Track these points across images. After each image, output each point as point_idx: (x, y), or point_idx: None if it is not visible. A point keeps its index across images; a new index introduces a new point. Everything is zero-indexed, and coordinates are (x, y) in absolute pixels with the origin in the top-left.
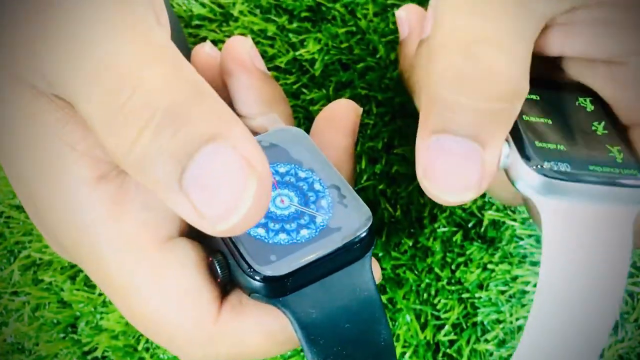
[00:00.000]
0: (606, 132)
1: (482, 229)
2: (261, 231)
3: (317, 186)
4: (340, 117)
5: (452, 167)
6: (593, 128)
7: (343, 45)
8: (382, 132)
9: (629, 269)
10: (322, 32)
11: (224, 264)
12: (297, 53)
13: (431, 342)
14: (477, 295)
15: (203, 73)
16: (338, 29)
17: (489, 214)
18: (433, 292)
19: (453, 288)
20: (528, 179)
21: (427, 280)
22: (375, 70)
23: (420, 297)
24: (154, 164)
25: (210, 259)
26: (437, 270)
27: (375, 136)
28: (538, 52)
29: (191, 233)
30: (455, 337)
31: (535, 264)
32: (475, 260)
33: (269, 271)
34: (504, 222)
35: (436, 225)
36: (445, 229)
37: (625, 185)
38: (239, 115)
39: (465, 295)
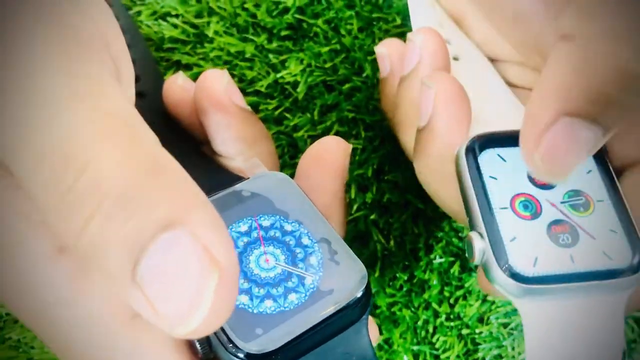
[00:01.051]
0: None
1: None
2: (244, 299)
3: (305, 240)
4: (328, 157)
5: (574, 151)
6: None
7: (327, 65)
8: (371, 158)
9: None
10: (304, 51)
11: (204, 339)
12: (278, 75)
13: None
14: (477, 330)
15: (176, 109)
16: (321, 47)
17: None
18: (431, 330)
19: (452, 324)
20: (503, 284)
21: (424, 317)
22: (362, 90)
23: (417, 335)
24: (105, 254)
25: None
26: (434, 305)
27: (364, 162)
28: None
29: None
30: None
31: None
32: (474, 293)
33: (255, 348)
34: None
35: (432, 257)
36: (442, 260)
37: (605, 277)
38: (217, 154)
39: (465, 331)
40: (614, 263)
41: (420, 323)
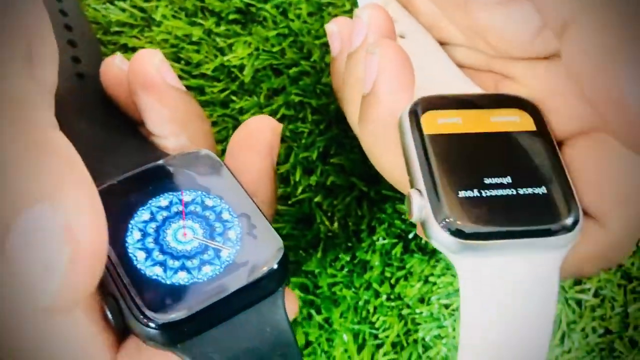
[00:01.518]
0: (537, 161)
1: (423, 240)
2: (158, 270)
3: (225, 215)
4: (256, 136)
5: None
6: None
7: (275, 49)
8: (317, 141)
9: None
10: (252, 35)
11: (116, 309)
12: (225, 59)
13: None
14: (418, 310)
15: (113, 90)
16: (269, 31)
17: None
18: (372, 310)
19: (393, 304)
20: (439, 239)
21: (365, 297)
22: (310, 75)
23: (358, 315)
24: None
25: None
26: (375, 286)
27: (310, 145)
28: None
29: None
30: (395, 357)
31: None
32: (415, 274)
33: (163, 317)
34: None
35: (375, 238)
36: (385, 242)
37: (540, 234)
38: (150, 134)
39: (405, 312)
40: (551, 222)
41: (361, 303)
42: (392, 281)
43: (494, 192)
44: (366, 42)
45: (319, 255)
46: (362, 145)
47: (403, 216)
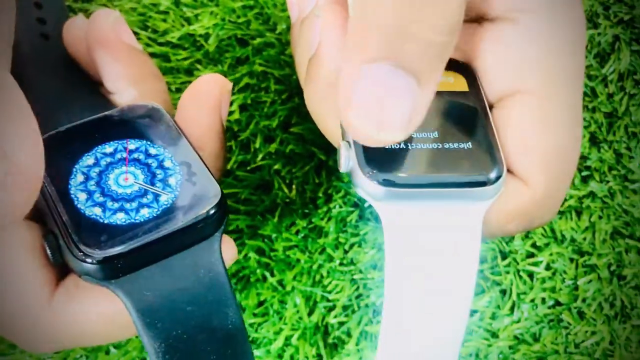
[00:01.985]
0: (466, 119)
1: None
2: (97, 210)
3: (167, 163)
4: (205, 92)
5: (382, 100)
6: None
7: (240, 20)
8: (278, 111)
9: (478, 267)
10: (219, 6)
11: (55, 245)
12: (191, 28)
13: (320, 324)
14: (370, 276)
15: (74, 50)
16: (235, 2)
17: None
18: (325, 274)
19: (345, 269)
20: (364, 186)
21: (319, 262)
22: (274, 46)
23: (311, 278)
24: None
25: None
26: (329, 250)
27: (271, 114)
28: None
29: (33, 215)
30: (345, 319)
31: None
32: (369, 241)
33: (98, 253)
34: None
35: (331, 206)
36: (341, 209)
37: (461, 185)
38: (108, 92)
39: (357, 276)
40: (474, 174)
41: (314, 267)
42: (346, 247)
43: (420, 145)
44: (317, 7)
45: (275, 220)
46: (307, 106)
47: None
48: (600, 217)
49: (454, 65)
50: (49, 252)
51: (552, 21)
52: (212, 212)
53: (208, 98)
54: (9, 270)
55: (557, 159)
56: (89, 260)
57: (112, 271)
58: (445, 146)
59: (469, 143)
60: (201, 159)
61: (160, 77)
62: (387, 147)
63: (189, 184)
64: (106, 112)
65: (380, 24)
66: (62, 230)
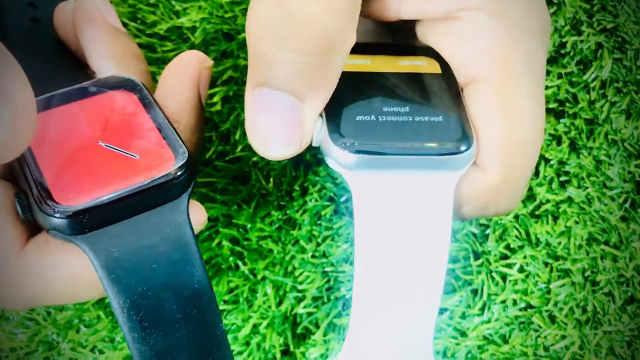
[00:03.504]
0: (437, 96)
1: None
2: None
3: (138, 128)
4: (183, 68)
5: (272, 121)
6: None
7: (227, 15)
8: None
9: (451, 238)
10: (207, 1)
11: (25, 203)
12: (179, 21)
13: (289, 314)
14: (341, 269)
15: (63, 32)
16: None
17: None
18: (297, 265)
19: (317, 261)
20: (335, 155)
21: (291, 253)
22: None
23: (282, 269)
24: None
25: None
26: (302, 242)
27: None
28: (378, 18)
29: (5, 174)
30: (314, 310)
31: None
32: (342, 235)
33: (64, 208)
34: None
35: (307, 199)
36: (317, 203)
37: (432, 153)
38: (92, 72)
39: (329, 269)
40: (445, 143)
41: (287, 258)
42: (319, 240)
43: (390, 118)
44: None
45: (250, 210)
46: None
47: (335, 180)
48: (576, 223)
49: (429, 52)
50: (19, 209)
51: (498, 12)
52: (178, 174)
53: (187, 73)
54: None
55: (516, 149)
56: (57, 215)
57: (77, 226)
58: (416, 119)
59: (440, 117)
60: (173, 126)
61: (142, 58)
62: (358, 118)
63: (157, 147)
64: (82, 84)
65: (256, 52)
66: (32, 187)
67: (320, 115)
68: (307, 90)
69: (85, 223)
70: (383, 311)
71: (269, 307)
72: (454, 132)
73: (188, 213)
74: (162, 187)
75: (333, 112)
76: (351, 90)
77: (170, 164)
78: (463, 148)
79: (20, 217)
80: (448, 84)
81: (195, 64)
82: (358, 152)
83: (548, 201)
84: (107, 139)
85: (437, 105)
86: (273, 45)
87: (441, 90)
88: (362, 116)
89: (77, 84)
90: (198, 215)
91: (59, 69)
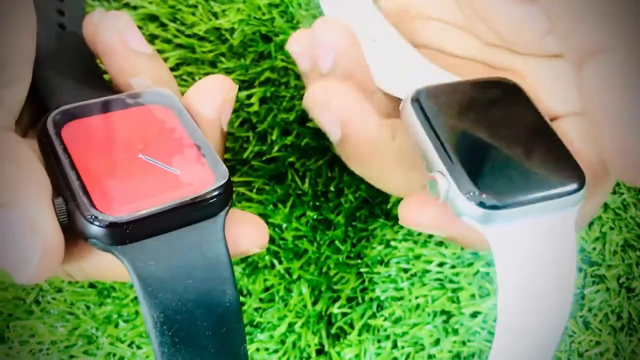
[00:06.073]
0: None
1: (389, 206)
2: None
3: (177, 143)
4: (207, 91)
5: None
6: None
7: (265, 17)
8: (297, 105)
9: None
10: (246, 2)
11: (64, 208)
12: (217, 22)
13: (324, 314)
14: (376, 270)
15: (90, 45)
16: (261, 0)
17: None
18: (332, 265)
19: (352, 262)
20: (469, 212)
21: (327, 253)
22: None
23: (317, 269)
24: None
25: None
26: (337, 243)
27: (289, 108)
28: None
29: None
30: (349, 311)
31: (440, 244)
32: (377, 237)
33: (106, 217)
34: None
35: (342, 200)
36: (352, 204)
37: (559, 196)
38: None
39: (363, 270)
40: (565, 183)
41: (322, 258)
42: (354, 241)
43: (507, 163)
44: (334, 70)
45: (286, 210)
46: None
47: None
48: (612, 229)
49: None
50: (57, 213)
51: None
52: (219, 191)
53: (210, 96)
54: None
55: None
56: (98, 223)
57: (120, 237)
58: (526, 163)
59: (549, 157)
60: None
61: (171, 78)
62: (483, 172)
63: (197, 164)
64: (119, 95)
65: None
66: (74, 193)
67: (441, 172)
68: None
69: (127, 234)
70: (522, 346)
71: (304, 306)
72: (568, 169)
73: (224, 231)
74: (203, 203)
75: (454, 166)
76: (458, 136)
77: (210, 181)
78: (579, 185)
79: (59, 221)
80: (536, 119)
81: (219, 89)
82: (490, 207)
83: None
84: (148, 152)
85: (541, 143)
86: None
87: (535, 126)
88: (480, 165)
89: (105, 94)
90: (259, 232)
91: (87, 82)
